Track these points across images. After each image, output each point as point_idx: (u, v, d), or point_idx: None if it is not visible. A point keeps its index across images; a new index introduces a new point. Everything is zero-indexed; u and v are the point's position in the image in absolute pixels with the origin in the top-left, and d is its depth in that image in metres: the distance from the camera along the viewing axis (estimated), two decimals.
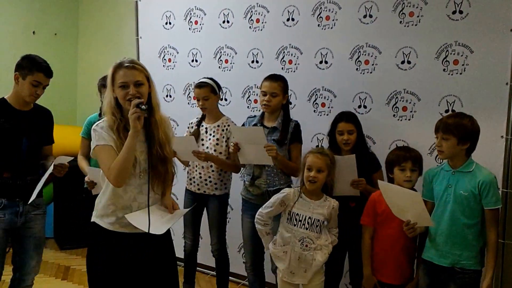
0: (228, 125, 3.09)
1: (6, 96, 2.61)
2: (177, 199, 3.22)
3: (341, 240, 2.63)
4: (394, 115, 3.03)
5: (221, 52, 3.73)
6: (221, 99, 3.43)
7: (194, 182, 3.15)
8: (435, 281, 2.37)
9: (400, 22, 2.97)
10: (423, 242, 2.46)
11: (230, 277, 3.39)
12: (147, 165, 2.08)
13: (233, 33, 3.66)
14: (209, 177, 3.09)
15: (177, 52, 3.99)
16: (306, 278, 2.55)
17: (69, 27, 5.25)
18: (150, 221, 2.03)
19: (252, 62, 3.58)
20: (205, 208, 3.22)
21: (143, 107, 1.96)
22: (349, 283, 3.06)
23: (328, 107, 3.27)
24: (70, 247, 4.50)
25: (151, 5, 4.11)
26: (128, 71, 2.03)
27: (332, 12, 3.22)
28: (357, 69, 3.14)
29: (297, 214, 2.56)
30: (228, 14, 3.68)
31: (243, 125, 3.06)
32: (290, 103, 3.03)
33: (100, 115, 3.14)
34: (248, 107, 3.62)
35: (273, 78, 2.90)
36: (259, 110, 3.45)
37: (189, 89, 3.89)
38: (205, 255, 3.48)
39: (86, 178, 3.01)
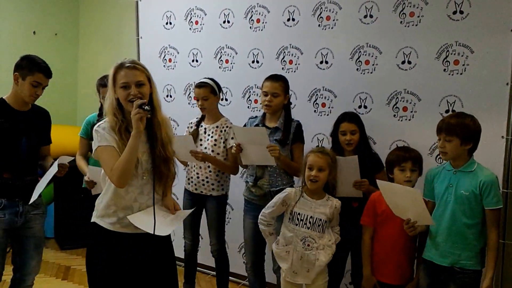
0: (227, 126, 3.09)
1: (4, 96, 2.61)
2: (178, 199, 3.22)
3: (344, 240, 2.63)
4: (394, 115, 3.03)
5: (221, 52, 3.73)
6: (221, 100, 3.43)
7: (192, 182, 3.16)
8: (435, 281, 2.37)
9: (401, 22, 2.98)
10: (423, 242, 2.47)
11: (230, 277, 3.40)
12: (149, 166, 2.08)
13: (233, 33, 3.66)
14: (206, 177, 3.09)
15: (178, 52, 3.99)
16: (309, 278, 2.54)
17: (70, 27, 5.26)
18: (155, 222, 2.03)
19: (253, 62, 3.58)
20: (203, 209, 3.22)
21: (146, 107, 1.96)
22: (349, 283, 3.07)
23: (329, 107, 3.27)
24: (70, 247, 4.50)
25: (151, 5, 4.11)
26: (129, 72, 2.03)
27: (333, 12, 3.22)
28: (357, 69, 3.14)
29: (299, 214, 2.56)
30: (228, 14, 3.68)
31: (245, 125, 3.05)
32: (291, 103, 3.03)
33: (99, 115, 3.15)
34: (248, 107, 3.62)
35: (274, 78, 2.89)
36: (260, 110, 3.45)
37: (190, 89, 3.89)
38: (205, 255, 3.48)
39: (85, 178, 3.01)
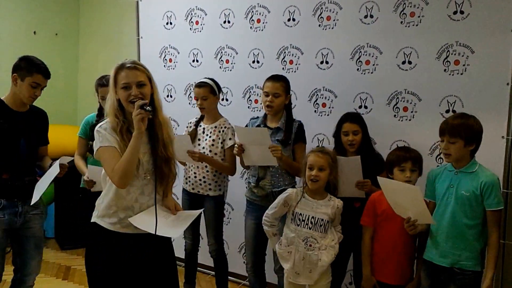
0: (225, 127, 3.09)
1: (3, 97, 2.61)
2: (178, 199, 3.22)
3: (345, 241, 2.63)
4: (395, 116, 3.03)
5: (222, 52, 3.73)
6: (222, 100, 3.43)
7: (189, 181, 3.16)
8: (436, 282, 2.37)
9: (401, 22, 2.98)
10: (423, 242, 2.47)
11: (230, 277, 3.40)
12: (151, 166, 2.08)
13: (234, 33, 3.66)
14: (204, 177, 3.09)
15: (178, 52, 3.99)
16: (312, 279, 2.54)
17: (70, 27, 5.25)
18: (157, 222, 2.03)
19: (253, 62, 3.58)
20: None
21: (148, 108, 1.95)
22: (349, 283, 3.07)
23: (329, 107, 3.27)
24: (70, 247, 4.50)
25: (152, 5, 4.11)
26: (130, 72, 2.03)
27: (333, 12, 3.22)
28: (358, 69, 3.14)
29: (300, 214, 2.56)
30: (229, 14, 3.68)
31: (247, 126, 3.05)
32: (291, 103, 3.03)
33: (98, 115, 3.14)
34: (249, 107, 3.62)
35: (275, 78, 2.89)
36: (260, 110, 3.46)
37: (190, 89, 3.89)
38: (205, 255, 3.48)
39: (85, 177, 3.01)
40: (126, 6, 4.66)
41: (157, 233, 2.02)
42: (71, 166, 2.81)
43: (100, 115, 3.08)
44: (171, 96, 4.05)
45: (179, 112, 3.87)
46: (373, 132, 2.87)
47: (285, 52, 3.43)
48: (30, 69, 2.53)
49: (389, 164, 2.56)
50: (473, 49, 2.76)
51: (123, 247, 2.07)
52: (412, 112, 2.97)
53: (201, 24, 3.84)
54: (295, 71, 3.38)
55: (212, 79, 3.14)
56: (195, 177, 3.12)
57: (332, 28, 3.23)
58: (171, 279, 2.21)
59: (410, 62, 2.96)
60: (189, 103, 3.92)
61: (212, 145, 3.07)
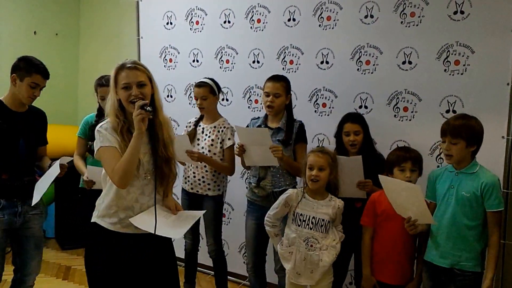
0: (224, 127, 3.09)
1: (1, 97, 2.61)
2: (178, 199, 3.22)
3: (347, 241, 2.62)
4: (395, 116, 3.03)
5: (222, 52, 3.73)
6: (222, 100, 3.43)
7: (188, 181, 3.16)
8: (436, 283, 2.37)
9: (401, 22, 2.98)
10: (423, 242, 2.47)
11: (231, 277, 3.40)
12: (151, 167, 2.08)
13: (234, 33, 3.66)
14: (203, 177, 3.09)
15: (178, 52, 3.99)
16: (313, 279, 2.53)
17: (70, 27, 5.26)
18: (156, 222, 2.03)
19: (253, 62, 3.58)
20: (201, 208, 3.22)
21: (148, 108, 1.95)
22: (350, 283, 3.07)
23: (329, 108, 3.27)
24: (71, 247, 4.51)
25: (152, 5, 4.11)
26: (130, 72, 2.03)
27: (333, 12, 3.22)
28: (358, 69, 3.14)
29: (301, 215, 2.56)
30: (229, 14, 3.68)
31: (247, 126, 3.05)
32: (292, 103, 3.03)
33: (97, 115, 3.14)
34: (249, 107, 3.62)
35: (276, 78, 2.89)
36: (260, 111, 3.46)
37: (190, 89, 3.90)
38: (205, 255, 3.48)
39: (84, 177, 3.01)
40: (126, 6, 4.67)
41: (158, 233, 2.02)
42: (71, 166, 2.81)
43: (99, 115, 3.08)
44: (171, 96, 4.05)
45: (179, 112, 3.87)
46: (373, 132, 2.86)
47: (285, 52, 3.43)
48: (29, 70, 2.53)
49: (389, 164, 2.56)
50: (473, 49, 2.76)
51: (123, 247, 2.07)
52: (412, 112, 2.97)
53: (202, 24, 3.84)
54: (295, 71, 3.39)
55: (212, 79, 3.14)
56: (194, 176, 3.12)
57: (333, 28, 3.23)
58: (172, 279, 2.21)
59: (410, 62, 2.96)
60: (189, 103, 3.92)
61: (211, 145, 3.07)
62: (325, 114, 3.29)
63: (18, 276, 2.69)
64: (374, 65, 3.09)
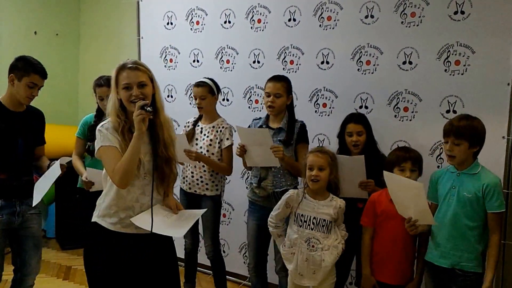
0: (223, 127, 3.09)
1: None
2: (178, 198, 3.22)
3: (348, 241, 2.61)
4: (395, 116, 3.03)
5: (222, 52, 3.73)
6: (223, 100, 3.43)
7: (186, 181, 3.16)
8: (437, 283, 2.37)
9: (402, 22, 2.97)
10: (423, 242, 2.47)
11: (231, 277, 3.40)
12: (151, 167, 2.08)
13: (234, 33, 3.66)
14: (201, 177, 3.09)
15: (179, 53, 3.99)
16: (316, 280, 2.52)
17: (71, 27, 5.26)
18: (156, 222, 2.03)
19: (254, 62, 3.58)
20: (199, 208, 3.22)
21: (148, 108, 1.95)
22: (350, 283, 3.06)
23: (330, 108, 3.27)
24: (71, 247, 4.50)
25: (152, 5, 4.11)
26: (131, 72, 2.03)
27: (334, 12, 3.22)
28: (358, 69, 3.14)
29: (302, 215, 2.56)
30: (229, 14, 3.68)
31: (249, 127, 3.05)
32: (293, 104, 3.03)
33: (96, 116, 3.13)
34: (249, 107, 3.62)
35: (277, 79, 2.89)
36: (260, 111, 3.46)
37: (191, 89, 3.87)
38: (206, 255, 3.48)
39: (83, 178, 3.01)
40: (126, 6, 4.67)
41: (159, 233, 2.02)
42: (70, 166, 2.81)
43: (98, 115, 3.07)
44: (171, 96, 4.05)
45: (180, 112, 3.87)
46: (373, 132, 2.86)
47: (285, 52, 3.43)
48: (27, 69, 2.53)
49: (389, 164, 2.55)
50: (474, 49, 2.76)
51: (123, 247, 2.07)
52: (412, 112, 2.97)
53: (202, 24, 3.84)
54: (295, 71, 3.38)
55: (211, 79, 3.14)
56: (192, 176, 3.11)
57: (333, 28, 3.23)
58: (172, 279, 2.21)
59: (410, 62, 2.96)
60: (190, 103, 3.91)
61: (210, 145, 3.07)
62: (325, 114, 3.29)
63: (18, 276, 2.69)
64: (374, 65, 3.09)
